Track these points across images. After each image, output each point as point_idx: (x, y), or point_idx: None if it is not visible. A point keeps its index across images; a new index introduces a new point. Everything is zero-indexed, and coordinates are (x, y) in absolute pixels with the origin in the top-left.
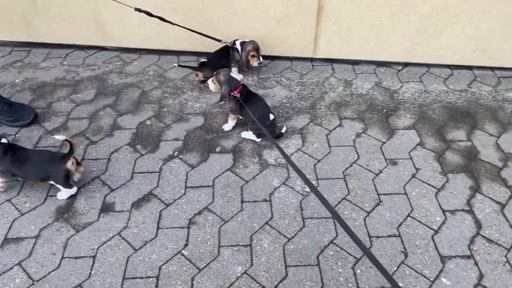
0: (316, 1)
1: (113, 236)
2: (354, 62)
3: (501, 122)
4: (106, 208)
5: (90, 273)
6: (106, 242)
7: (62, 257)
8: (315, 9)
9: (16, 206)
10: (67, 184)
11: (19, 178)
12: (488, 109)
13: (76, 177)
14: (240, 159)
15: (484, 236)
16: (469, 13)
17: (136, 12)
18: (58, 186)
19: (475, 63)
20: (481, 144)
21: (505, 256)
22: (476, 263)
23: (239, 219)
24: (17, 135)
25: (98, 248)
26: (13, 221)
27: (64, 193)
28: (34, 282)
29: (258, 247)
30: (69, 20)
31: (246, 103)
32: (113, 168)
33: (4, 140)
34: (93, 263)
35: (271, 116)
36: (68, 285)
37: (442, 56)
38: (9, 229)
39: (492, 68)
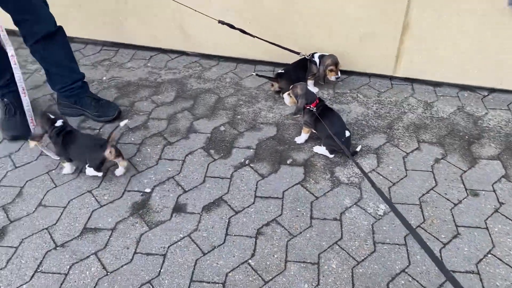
0: (402, 19)
1: (183, 237)
2: (436, 84)
3: None
4: (179, 209)
5: (160, 271)
6: (176, 242)
7: (135, 252)
8: (400, 27)
9: (96, 197)
10: (99, 169)
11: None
12: None
13: (118, 172)
14: (311, 174)
15: None
16: None
17: (219, 24)
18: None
19: None
20: None
21: None
22: None
23: (308, 235)
24: (101, 130)
25: (168, 247)
26: (93, 211)
27: (91, 172)
28: (108, 273)
29: (325, 267)
30: (156, 24)
31: (322, 117)
32: (187, 170)
33: (59, 123)
34: (163, 261)
35: (347, 133)
36: (138, 280)
37: None
38: (89, 219)
39: None
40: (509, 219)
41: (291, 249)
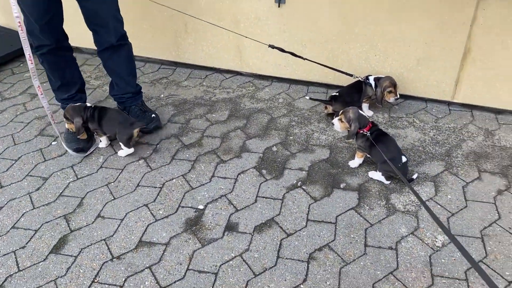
0: (463, 44)
1: (235, 257)
2: (498, 111)
3: None
4: (231, 227)
5: None
6: (228, 261)
7: (188, 269)
8: (460, 52)
9: (152, 211)
10: (128, 144)
11: (103, 133)
12: None
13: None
14: (366, 200)
15: None
16: None
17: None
18: (120, 144)
19: None
20: None
21: None
22: None
23: (362, 263)
24: (158, 145)
25: (220, 266)
26: (148, 225)
27: (123, 152)
28: None
29: None
30: (213, 45)
31: (377, 142)
32: (239, 189)
33: (89, 105)
34: (215, 280)
35: (403, 159)
36: None
37: None
38: (144, 232)
39: None
40: None
41: (344, 277)
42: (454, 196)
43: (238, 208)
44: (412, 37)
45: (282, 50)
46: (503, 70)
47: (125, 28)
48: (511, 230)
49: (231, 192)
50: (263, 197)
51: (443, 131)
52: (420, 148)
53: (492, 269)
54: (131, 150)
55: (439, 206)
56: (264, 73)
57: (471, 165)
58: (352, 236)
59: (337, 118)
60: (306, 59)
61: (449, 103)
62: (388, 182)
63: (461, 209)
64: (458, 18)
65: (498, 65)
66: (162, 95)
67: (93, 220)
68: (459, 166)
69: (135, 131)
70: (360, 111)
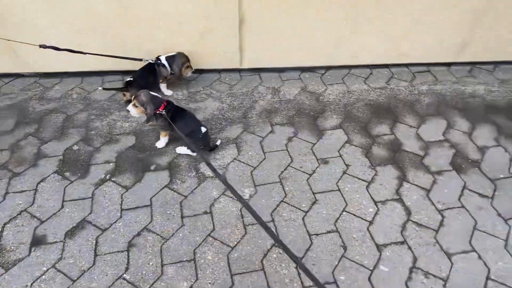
0: (237, 13)
1: (48, 270)
2: (280, 70)
3: (419, 114)
4: (37, 242)
5: None
6: (40, 277)
7: None
8: (236, 21)
9: None
10: None
11: None
12: (406, 103)
13: None
14: (177, 175)
15: (414, 222)
16: (381, 14)
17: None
18: None
19: (391, 61)
20: (403, 136)
21: (435, 238)
22: (409, 248)
23: (180, 235)
24: None
25: (31, 284)
26: None
27: None
28: None
29: (202, 261)
30: None
31: (175, 119)
32: (41, 199)
33: None
34: None
35: (203, 129)
36: None
37: (360, 57)
38: None
39: (407, 65)
40: (356, 177)
41: (166, 253)
42: (254, 152)
43: (43, 219)
44: (191, 12)
45: (57, 49)
46: (275, 33)
47: None
48: (301, 168)
49: (32, 204)
50: (71, 200)
51: (238, 96)
52: (220, 116)
53: (292, 206)
54: None
55: (243, 163)
56: (51, 70)
57: (265, 122)
58: (168, 212)
59: (131, 104)
60: (87, 53)
61: (239, 70)
62: (195, 154)
63: (261, 162)
64: None
65: (270, 29)
66: None
67: None
68: (255, 125)
69: None
70: (152, 92)
